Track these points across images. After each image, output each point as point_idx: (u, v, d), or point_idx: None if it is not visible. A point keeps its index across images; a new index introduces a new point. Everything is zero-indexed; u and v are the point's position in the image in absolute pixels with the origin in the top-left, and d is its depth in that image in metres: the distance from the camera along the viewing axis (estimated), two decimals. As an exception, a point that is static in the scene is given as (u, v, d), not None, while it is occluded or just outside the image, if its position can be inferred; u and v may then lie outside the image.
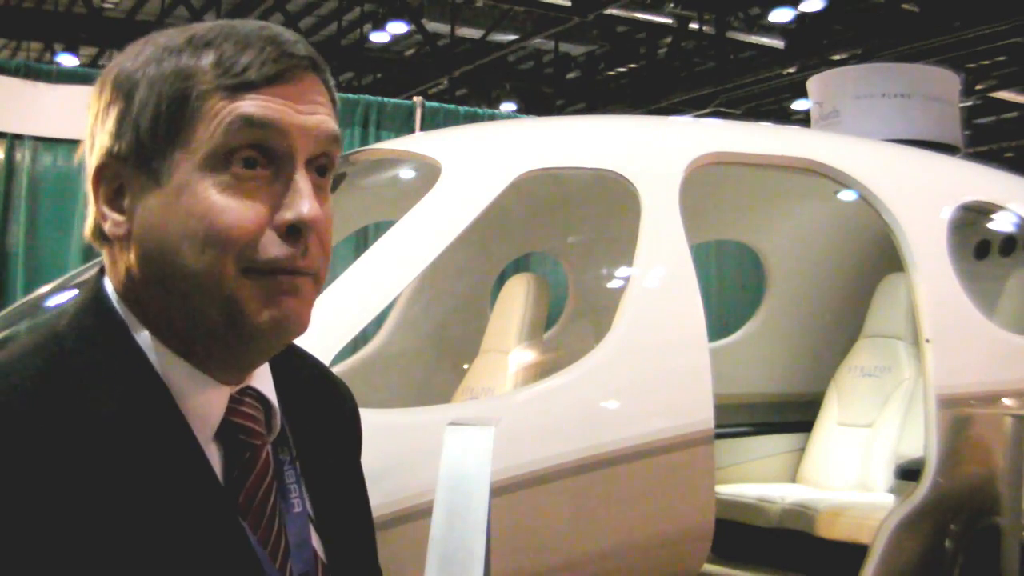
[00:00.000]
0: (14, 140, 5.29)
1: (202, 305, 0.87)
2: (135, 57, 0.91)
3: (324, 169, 0.93)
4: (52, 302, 3.31)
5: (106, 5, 12.73)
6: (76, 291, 3.38)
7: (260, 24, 0.92)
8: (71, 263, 5.05)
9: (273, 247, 0.87)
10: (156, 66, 0.89)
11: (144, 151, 0.88)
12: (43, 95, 5.25)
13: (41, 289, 3.65)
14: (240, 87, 0.87)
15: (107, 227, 0.91)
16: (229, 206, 0.86)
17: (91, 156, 0.92)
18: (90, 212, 0.93)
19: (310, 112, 0.90)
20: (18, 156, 5.30)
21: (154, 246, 0.88)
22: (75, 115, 5.65)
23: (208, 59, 0.88)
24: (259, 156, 0.88)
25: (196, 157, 0.87)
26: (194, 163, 0.87)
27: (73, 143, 5.32)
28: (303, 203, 0.88)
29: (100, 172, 0.91)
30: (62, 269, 4.86)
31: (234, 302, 0.87)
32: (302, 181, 0.89)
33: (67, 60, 11.97)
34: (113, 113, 0.90)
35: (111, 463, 0.83)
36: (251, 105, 0.87)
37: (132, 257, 0.90)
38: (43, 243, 5.28)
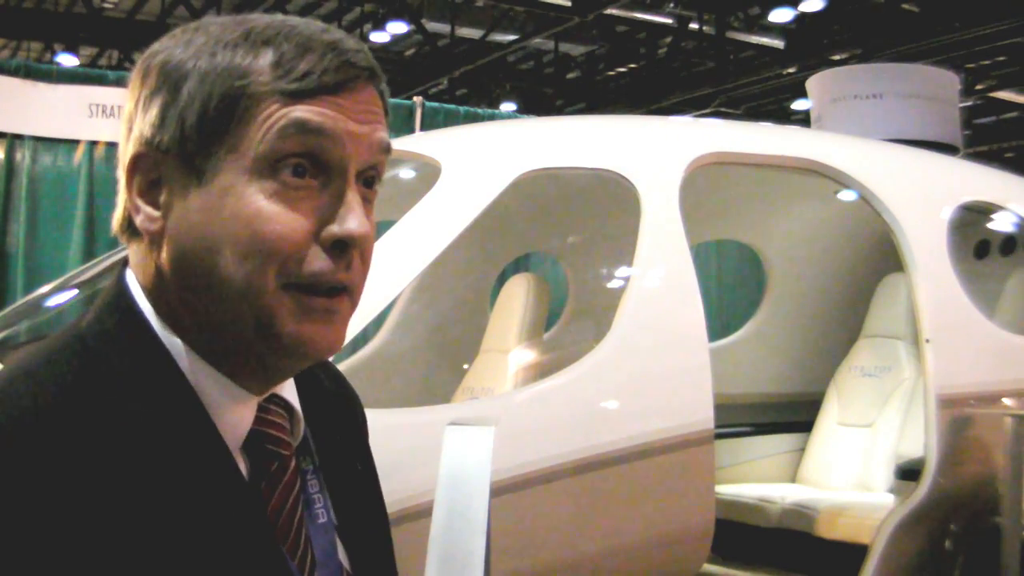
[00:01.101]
0: (14, 140, 5.29)
1: (235, 314, 0.83)
2: (186, 45, 0.86)
3: (372, 181, 0.89)
4: (52, 302, 3.31)
5: (106, 5, 12.72)
6: (77, 290, 3.38)
7: (322, 26, 0.88)
8: (71, 263, 5.05)
9: (317, 261, 0.83)
10: (209, 59, 0.84)
11: (188, 147, 0.83)
12: (43, 95, 5.25)
13: (41, 289, 3.65)
14: (298, 93, 0.83)
15: (139, 220, 0.86)
16: (276, 214, 0.82)
17: (127, 143, 0.87)
18: (120, 202, 0.88)
19: (365, 123, 0.86)
20: (18, 156, 5.30)
21: (191, 247, 0.83)
22: (75, 115, 5.67)
23: (266, 59, 0.83)
24: (309, 165, 0.84)
25: (244, 160, 0.82)
26: (242, 166, 0.82)
27: (73, 143, 5.32)
28: (353, 219, 0.84)
29: (137, 161, 0.86)
30: (62, 269, 4.86)
31: (269, 316, 0.83)
32: (352, 194, 0.85)
33: (67, 60, 11.99)
34: (157, 102, 0.85)
35: (138, 469, 0.79)
36: (306, 111, 0.83)
37: (164, 256, 0.85)
38: (43, 243, 5.28)
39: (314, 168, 0.84)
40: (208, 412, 0.85)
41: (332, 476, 0.96)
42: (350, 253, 0.85)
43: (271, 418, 0.89)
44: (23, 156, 5.31)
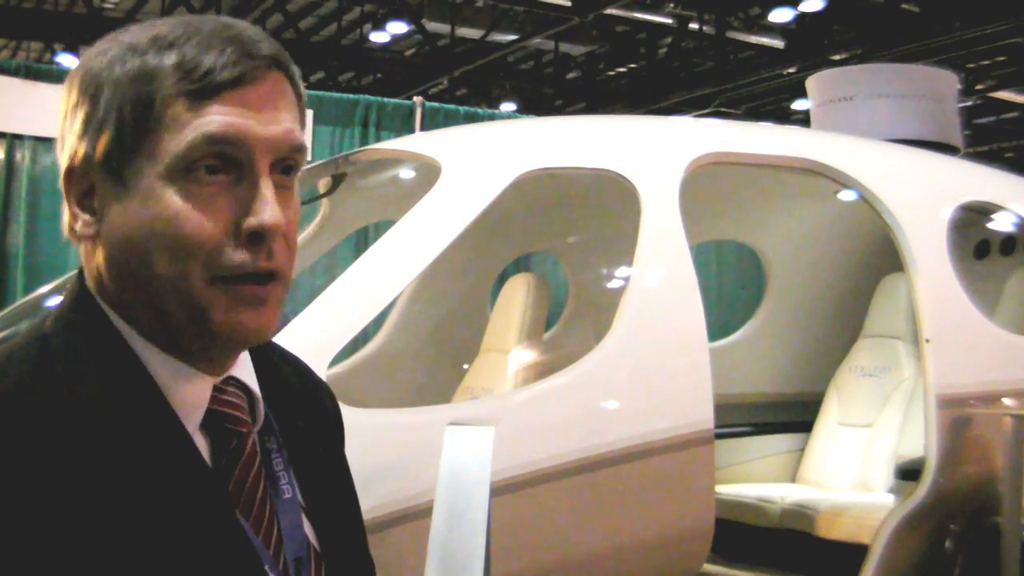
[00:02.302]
0: (14, 140, 5.30)
1: (170, 307, 0.89)
2: (100, 56, 0.91)
3: (289, 169, 0.93)
4: (52, 302, 3.31)
5: (106, 5, 12.74)
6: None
7: (224, 23, 0.91)
8: (71, 263, 5.05)
9: (237, 253, 0.88)
10: (120, 66, 0.89)
11: (110, 156, 0.89)
12: (43, 95, 5.25)
13: (41, 289, 3.65)
14: (202, 92, 0.87)
15: (78, 227, 0.92)
16: (191, 214, 0.87)
17: (62, 156, 0.93)
18: (64, 209, 0.94)
19: (274, 121, 0.90)
20: (18, 156, 5.30)
21: (123, 250, 0.89)
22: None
23: (170, 60, 0.88)
24: (221, 163, 0.88)
25: (160, 166, 0.87)
26: (159, 172, 0.87)
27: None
28: (265, 210, 0.88)
29: (70, 173, 0.92)
30: (62, 269, 4.86)
31: (200, 308, 0.88)
32: (264, 186, 0.89)
33: (67, 60, 11.98)
34: (80, 115, 0.91)
35: (103, 456, 0.84)
36: (214, 122, 0.87)
37: (102, 258, 0.91)
38: (43, 243, 5.29)
39: (226, 165, 0.88)
40: (164, 394, 0.90)
41: (297, 458, 1.00)
42: (268, 242, 0.89)
43: (227, 398, 0.94)
44: (23, 156, 5.31)
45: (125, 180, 0.88)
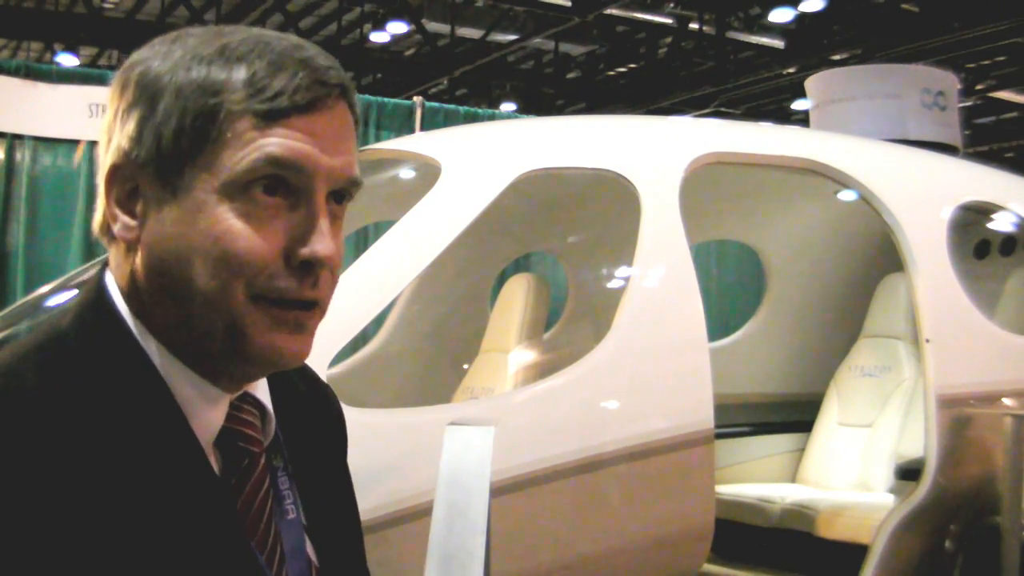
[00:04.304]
0: (14, 140, 5.29)
1: (207, 324, 0.87)
2: (163, 58, 0.88)
3: (342, 197, 0.92)
4: (52, 302, 3.31)
5: (106, 5, 12.74)
6: (77, 289, 3.38)
7: (295, 43, 0.90)
8: (71, 263, 5.05)
9: (284, 279, 0.87)
10: (184, 73, 0.86)
11: (164, 162, 0.86)
12: (43, 95, 5.25)
13: (41, 289, 3.65)
14: (271, 113, 0.85)
15: (116, 228, 0.89)
16: (246, 233, 0.85)
17: (106, 153, 0.90)
18: (99, 207, 0.91)
19: (337, 152, 0.89)
20: (18, 156, 5.30)
21: (165, 258, 0.87)
22: (75, 115, 5.66)
23: (240, 75, 0.86)
24: (279, 185, 0.87)
25: (216, 180, 0.85)
26: (214, 186, 0.85)
27: (73, 143, 5.32)
28: (319, 241, 0.87)
29: (115, 172, 0.89)
30: (62, 269, 4.86)
31: (239, 327, 0.86)
32: (321, 217, 0.88)
33: (67, 60, 11.98)
34: (135, 115, 0.88)
35: (116, 468, 0.82)
36: (280, 144, 0.85)
37: (140, 263, 0.88)
38: (43, 243, 5.28)
39: (284, 188, 0.87)
40: (181, 410, 0.88)
41: (302, 474, 0.99)
42: (316, 272, 0.88)
43: (243, 416, 0.93)
44: (23, 156, 5.31)
45: (176, 188, 0.86)
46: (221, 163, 0.85)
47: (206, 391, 0.90)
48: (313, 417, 1.06)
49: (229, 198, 0.85)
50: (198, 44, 0.88)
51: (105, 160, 0.90)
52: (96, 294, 0.91)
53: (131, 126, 0.88)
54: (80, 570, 0.79)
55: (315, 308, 0.90)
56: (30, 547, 0.77)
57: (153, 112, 0.87)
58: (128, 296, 0.90)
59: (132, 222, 0.89)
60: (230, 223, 0.85)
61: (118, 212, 0.89)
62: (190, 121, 0.85)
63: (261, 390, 0.96)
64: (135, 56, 0.91)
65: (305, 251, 0.87)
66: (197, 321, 0.87)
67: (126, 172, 0.88)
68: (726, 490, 4.18)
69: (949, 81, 6.72)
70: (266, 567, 0.89)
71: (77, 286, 3.36)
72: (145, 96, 0.87)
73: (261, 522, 0.91)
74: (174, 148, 0.86)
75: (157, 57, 0.89)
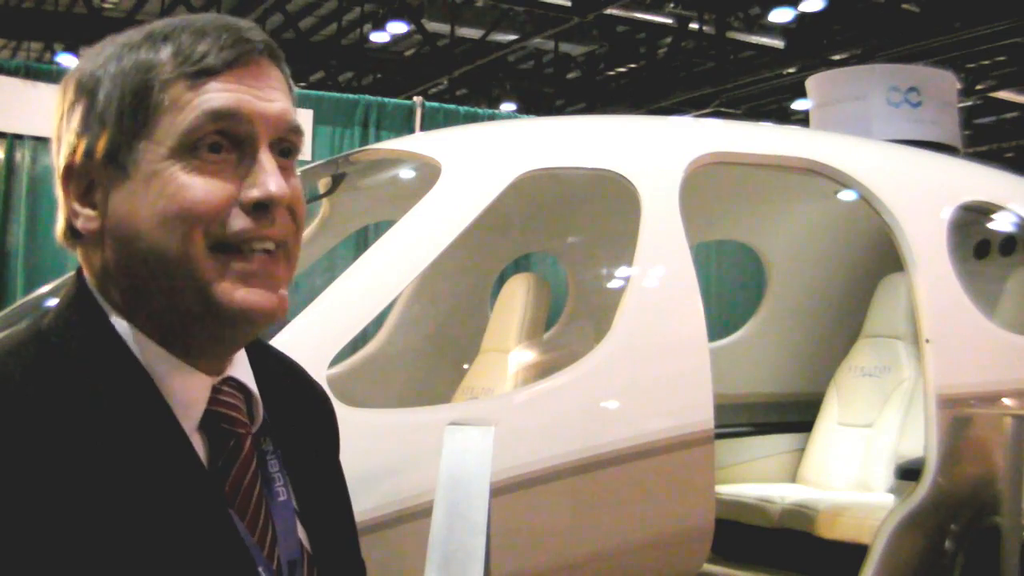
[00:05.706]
0: (14, 140, 5.29)
1: (175, 286, 0.89)
2: (95, 57, 0.93)
3: (288, 152, 0.95)
4: (52, 302, 3.31)
5: (106, 5, 12.73)
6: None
7: (215, 16, 0.95)
8: (71, 263, 5.01)
9: (239, 221, 0.89)
10: (117, 62, 0.91)
11: (111, 145, 0.90)
12: (43, 95, 5.24)
13: (41, 289, 3.65)
14: (201, 73, 0.89)
15: (79, 223, 0.93)
16: (197, 182, 0.88)
17: (58, 158, 0.94)
18: (60, 214, 0.94)
19: (270, 99, 0.92)
20: (18, 156, 5.30)
21: (127, 234, 0.90)
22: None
23: (167, 51, 0.90)
24: (224, 141, 0.90)
25: (163, 148, 0.89)
26: (162, 154, 0.89)
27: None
28: (269, 180, 0.90)
29: (69, 171, 0.93)
30: (62, 269, 4.86)
31: (205, 281, 0.88)
32: (266, 160, 0.91)
33: (67, 60, 11.96)
34: (78, 112, 0.92)
35: (99, 453, 0.84)
36: (215, 98, 0.89)
37: (106, 249, 0.92)
38: (43, 243, 5.28)
39: (229, 144, 0.90)
40: (162, 395, 0.90)
41: (292, 460, 1.01)
42: (273, 212, 0.91)
43: (225, 398, 0.95)
44: (23, 156, 5.31)
45: (127, 167, 0.90)
46: (164, 130, 0.89)
47: (185, 372, 0.92)
48: (299, 408, 1.08)
49: (178, 160, 0.88)
50: (125, 39, 0.93)
51: (58, 164, 0.94)
52: (74, 290, 0.95)
53: (76, 122, 0.92)
54: (66, 556, 0.80)
55: (279, 255, 0.92)
56: (9, 535, 0.78)
57: (94, 103, 0.91)
58: (101, 288, 0.94)
59: (93, 213, 0.92)
60: (181, 179, 0.88)
61: (78, 208, 0.93)
62: (129, 100, 0.90)
63: (244, 374, 0.98)
64: (71, 70, 0.96)
65: (256, 192, 0.90)
66: (166, 289, 0.89)
67: (79, 169, 0.92)
68: (726, 490, 4.18)
69: (949, 81, 6.72)
70: (255, 545, 0.91)
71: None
72: (84, 92, 0.92)
73: (250, 503, 0.93)
74: (118, 128, 0.90)
75: (89, 60, 0.94)
